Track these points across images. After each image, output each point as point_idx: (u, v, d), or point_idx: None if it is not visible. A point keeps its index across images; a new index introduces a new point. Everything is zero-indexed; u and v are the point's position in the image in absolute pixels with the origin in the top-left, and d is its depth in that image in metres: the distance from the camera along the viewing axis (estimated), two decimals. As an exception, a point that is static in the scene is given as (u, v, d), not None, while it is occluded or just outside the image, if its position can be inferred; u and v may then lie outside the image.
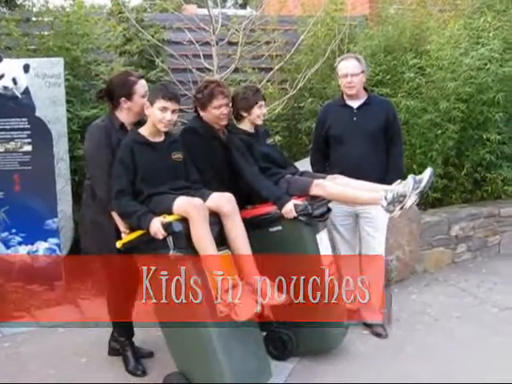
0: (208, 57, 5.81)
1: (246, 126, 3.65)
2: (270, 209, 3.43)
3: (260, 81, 5.94)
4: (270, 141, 3.79)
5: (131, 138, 3.19)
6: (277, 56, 6.50)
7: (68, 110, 4.91)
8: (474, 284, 5.11)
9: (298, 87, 5.79)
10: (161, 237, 2.91)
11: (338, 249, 4.05)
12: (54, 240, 4.56)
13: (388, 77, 6.03)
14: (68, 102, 4.94)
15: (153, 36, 5.62)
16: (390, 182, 3.74)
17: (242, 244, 3.14)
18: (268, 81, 6.02)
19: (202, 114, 3.55)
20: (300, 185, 3.51)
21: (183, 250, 2.93)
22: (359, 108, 3.94)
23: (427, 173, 3.33)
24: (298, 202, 3.39)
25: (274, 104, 5.75)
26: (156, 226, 2.91)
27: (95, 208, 3.29)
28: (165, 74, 5.67)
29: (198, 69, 5.79)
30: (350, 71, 3.86)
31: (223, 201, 3.13)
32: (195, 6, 13.03)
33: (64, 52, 5.28)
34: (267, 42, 6.35)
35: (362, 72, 3.90)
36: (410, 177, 3.31)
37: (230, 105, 3.59)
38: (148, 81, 5.58)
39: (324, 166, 4.10)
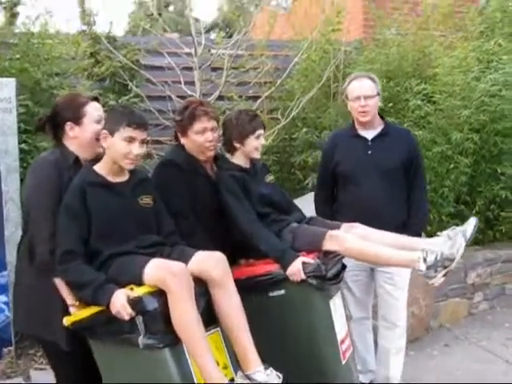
0: (190, 83, 5.18)
1: (239, 159, 2.92)
2: (270, 267, 2.66)
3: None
4: (269, 179, 3.05)
5: (83, 177, 2.41)
6: (266, 83, 5.91)
7: (25, 141, 4.21)
8: (500, 342, 4.40)
9: (291, 116, 5.16)
10: (127, 317, 2.15)
11: (347, 309, 3.29)
12: (1, 298, 3.78)
13: (390, 105, 5.39)
14: (26, 131, 4.23)
15: (125, 56, 4.92)
16: (411, 230, 3.08)
17: (238, 321, 2.35)
18: (256, 109, 5.35)
19: (183, 141, 2.81)
20: (310, 237, 2.75)
21: (158, 337, 2.15)
22: (374, 139, 3.24)
23: (471, 224, 2.63)
24: (308, 259, 2.64)
25: (264, 135, 5.07)
26: (120, 303, 2.16)
27: (33, 271, 2.43)
28: (140, 101, 4.97)
29: (178, 96, 5.16)
30: (364, 93, 3.15)
31: (211, 263, 2.36)
32: (177, 35, 12.52)
33: (24, 74, 4.58)
34: (255, 68, 5.74)
35: (378, 94, 3.22)
36: (460, 233, 2.57)
37: (220, 132, 2.90)
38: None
39: (331, 209, 3.36)
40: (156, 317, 2.15)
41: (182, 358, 2.20)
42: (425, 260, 2.51)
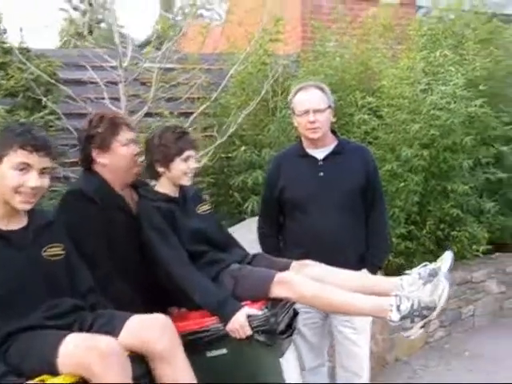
0: (115, 99, 4.65)
1: (165, 187, 2.41)
2: (208, 321, 2.15)
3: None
4: (203, 209, 2.53)
5: None
6: (199, 98, 5.42)
7: None
8: (462, 377, 4.01)
9: (228, 134, 4.70)
10: None
11: (300, 357, 2.81)
12: None
13: (334, 120, 5.00)
14: None
15: (38, 67, 4.34)
16: (372, 264, 2.67)
17: None
18: (189, 127, 4.85)
19: (100, 161, 2.28)
20: (255, 281, 2.24)
21: None
22: (326, 159, 2.78)
23: (447, 260, 2.21)
24: (254, 310, 2.15)
25: (199, 155, 4.58)
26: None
27: None
28: (56, 118, 4.39)
29: (101, 114, 4.62)
30: (313, 106, 2.69)
31: (154, 332, 1.82)
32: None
33: None
34: (187, 83, 5.25)
35: (329, 107, 2.77)
36: (443, 276, 2.10)
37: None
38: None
39: (277, 242, 2.90)
40: None
41: None
42: (398, 308, 2.05)
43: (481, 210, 5.43)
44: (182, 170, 2.37)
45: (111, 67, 4.70)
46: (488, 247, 5.36)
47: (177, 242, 2.26)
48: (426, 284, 2.09)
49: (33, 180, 1.81)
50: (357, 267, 2.57)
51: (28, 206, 1.85)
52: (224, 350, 2.11)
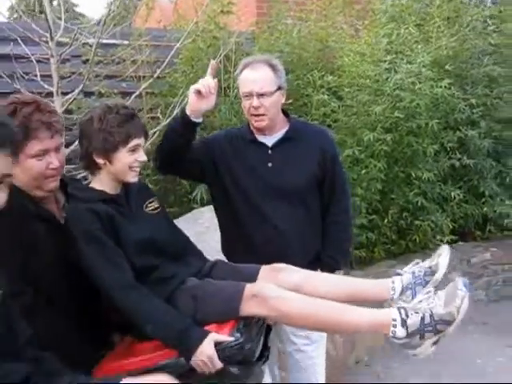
0: (47, 76, 4.17)
1: (103, 183, 1.93)
2: (164, 354, 1.70)
3: (122, 107, 4.36)
4: (152, 207, 2.03)
5: None
6: (145, 77, 4.96)
7: None
8: (428, 380, 3.72)
9: (174, 115, 4.26)
10: None
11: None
12: None
13: (290, 101, 4.62)
14: None
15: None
16: (326, 265, 2.28)
17: None
18: (133, 108, 4.40)
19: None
20: (220, 300, 1.79)
21: None
22: (276, 147, 2.38)
23: (445, 255, 1.84)
24: (223, 336, 1.71)
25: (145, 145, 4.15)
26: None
27: None
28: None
29: (32, 92, 4.13)
30: (258, 88, 2.28)
31: None
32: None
33: None
34: (133, 61, 4.79)
35: (279, 89, 2.35)
36: (461, 282, 1.71)
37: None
38: None
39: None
40: None
41: None
42: (404, 323, 1.68)
43: (444, 197, 5.17)
44: (128, 163, 1.89)
45: (44, 41, 4.22)
46: (452, 237, 5.10)
47: (119, 256, 1.80)
48: (437, 292, 1.72)
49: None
50: (310, 268, 2.17)
51: None
52: None
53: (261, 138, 2.39)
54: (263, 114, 2.31)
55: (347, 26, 5.43)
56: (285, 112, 2.47)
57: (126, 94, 4.75)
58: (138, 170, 1.93)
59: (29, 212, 1.73)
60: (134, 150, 1.88)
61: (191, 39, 4.52)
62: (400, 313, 1.69)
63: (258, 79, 2.30)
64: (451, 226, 5.11)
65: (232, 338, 1.71)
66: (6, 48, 4.45)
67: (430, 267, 1.85)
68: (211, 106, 2.18)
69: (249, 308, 1.75)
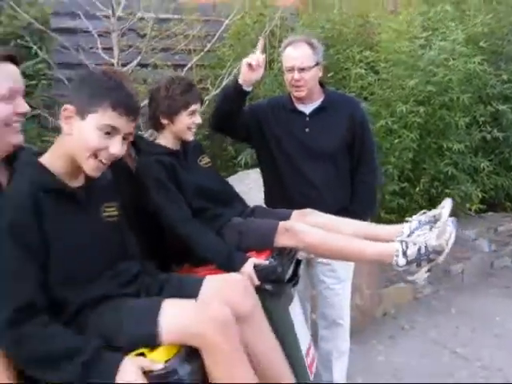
0: (108, 49, 4.59)
1: (167, 140, 2.34)
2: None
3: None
4: (204, 161, 2.45)
5: (33, 179, 1.54)
6: (195, 50, 5.34)
7: None
8: (448, 332, 4.07)
9: (222, 86, 4.64)
10: None
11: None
12: None
13: (330, 74, 4.95)
14: None
15: (33, 17, 4.25)
16: (355, 214, 2.63)
17: (279, 366, 1.81)
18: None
19: None
20: (259, 232, 2.21)
21: None
22: (313, 115, 2.74)
23: (447, 207, 2.18)
24: (260, 260, 2.12)
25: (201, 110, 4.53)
26: (133, 380, 1.40)
27: None
28: (46, 67, 4.32)
29: (96, 64, 4.55)
30: (299, 63, 2.62)
31: (238, 292, 1.76)
32: None
33: None
34: (183, 34, 5.16)
35: (317, 65, 2.69)
36: (450, 221, 2.07)
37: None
38: (24, 76, 4.38)
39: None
40: None
41: None
42: (404, 253, 2.04)
43: (475, 168, 5.42)
44: (187, 124, 2.29)
45: (104, 16, 4.62)
46: (481, 206, 5.37)
47: (180, 198, 2.22)
48: (433, 229, 2.09)
49: (116, 146, 1.59)
50: None
51: (99, 174, 1.63)
52: None
53: (300, 107, 2.75)
54: (303, 86, 2.66)
55: (387, 3, 5.68)
56: (321, 84, 2.82)
57: (178, 66, 5.16)
58: (194, 130, 2.34)
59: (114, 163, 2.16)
60: (192, 113, 2.28)
61: (240, 16, 4.85)
62: (402, 245, 2.06)
63: (298, 56, 2.64)
64: (480, 196, 5.35)
65: (267, 262, 2.12)
66: (71, 23, 4.89)
67: (434, 216, 2.18)
68: (259, 78, 2.55)
69: (282, 240, 2.16)
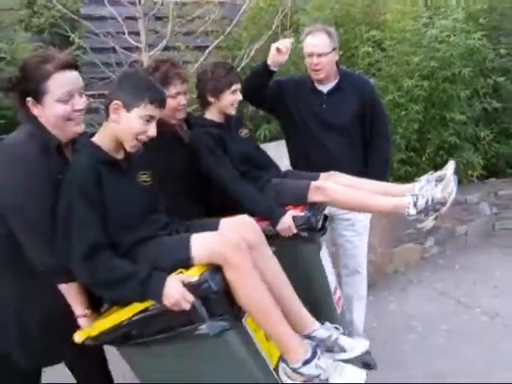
0: (134, 34, 4.98)
1: (213, 115, 2.76)
2: (261, 225, 2.49)
3: (196, 60, 5.15)
4: (244, 133, 2.89)
5: (92, 155, 2.03)
6: (212, 32, 5.72)
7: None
8: (452, 284, 4.52)
9: (241, 67, 5.03)
10: (188, 306, 1.84)
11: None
12: None
13: (341, 52, 5.30)
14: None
15: (65, 7, 4.65)
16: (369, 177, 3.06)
17: (285, 284, 2.22)
18: (205, 60, 5.18)
19: None
20: (294, 190, 2.65)
21: (226, 318, 1.89)
22: (330, 93, 3.14)
23: (451, 168, 2.56)
24: (297, 212, 2.56)
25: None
26: (177, 291, 1.84)
27: (25, 284, 2.00)
28: (83, 53, 4.74)
29: (123, 48, 4.95)
30: (318, 50, 3.02)
31: (245, 228, 2.18)
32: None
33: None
34: (201, 17, 5.54)
35: (334, 50, 3.08)
36: (451, 175, 2.50)
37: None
38: None
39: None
40: (220, 297, 1.89)
41: (246, 335, 2.00)
42: (415, 204, 2.46)
43: (477, 137, 5.80)
44: (230, 101, 2.69)
45: (129, 3, 5.00)
46: (482, 173, 5.76)
47: (228, 162, 2.64)
48: (437, 185, 2.50)
49: (152, 130, 2.07)
50: None
51: (136, 149, 2.11)
52: (273, 248, 2.40)
53: (319, 87, 3.15)
54: (321, 69, 3.06)
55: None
56: (337, 65, 3.22)
57: (199, 49, 5.54)
58: (236, 106, 2.74)
59: (170, 132, 2.64)
60: (234, 92, 2.71)
61: (255, 2, 5.23)
62: (412, 198, 2.48)
63: (317, 43, 3.04)
64: (482, 163, 5.74)
65: (303, 213, 2.55)
66: (99, 10, 5.26)
67: (440, 176, 2.61)
68: (285, 61, 2.96)
69: (313, 197, 2.59)
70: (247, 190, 2.61)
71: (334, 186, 2.60)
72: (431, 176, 2.64)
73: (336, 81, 3.16)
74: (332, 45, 3.06)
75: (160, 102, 2.07)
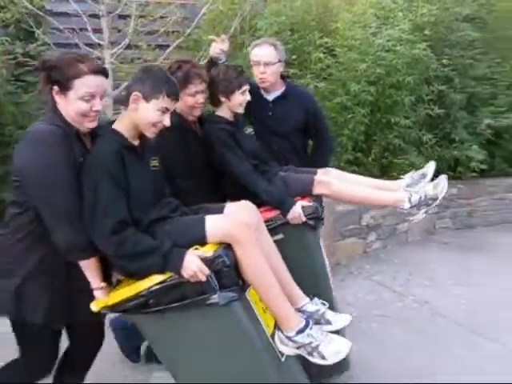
0: (97, 31, 5.19)
1: (224, 113, 3.00)
2: (270, 214, 2.82)
3: (155, 59, 5.39)
4: (249, 130, 3.11)
5: (116, 140, 2.25)
6: (174, 32, 5.97)
7: None
8: (390, 276, 4.87)
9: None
10: (204, 278, 2.09)
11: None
12: None
13: (294, 57, 5.65)
14: None
15: (31, 3, 4.84)
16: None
17: (278, 260, 2.48)
18: (165, 59, 5.43)
19: None
20: (300, 183, 2.93)
21: (234, 289, 2.15)
22: (275, 101, 3.40)
23: (431, 167, 3.01)
24: (306, 203, 2.84)
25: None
26: (196, 264, 2.08)
27: (48, 262, 2.19)
28: (46, 49, 4.93)
29: (86, 44, 5.16)
30: (264, 60, 3.28)
31: (247, 211, 2.45)
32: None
33: None
34: (162, 17, 5.78)
35: (279, 61, 3.34)
36: (444, 176, 2.90)
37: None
38: (28, 56, 4.99)
39: None
40: (231, 271, 2.14)
41: (248, 306, 2.26)
42: (409, 200, 2.81)
43: (421, 141, 6.19)
44: (240, 101, 2.93)
45: (93, 1, 5.20)
46: (425, 174, 6.15)
47: (242, 155, 2.89)
48: (421, 181, 2.92)
49: (167, 120, 2.30)
50: None
51: (153, 136, 2.34)
52: (281, 235, 2.78)
53: (265, 95, 3.40)
54: (265, 79, 3.31)
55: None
56: (283, 77, 3.47)
57: (161, 48, 5.78)
58: (244, 105, 2.99)
59: (186, 127, 2.87)
60: (243, 92, 2.95)
61: (215, 6, 5.50)
62: (408, 193, 2.84)
63: (264, 54, 3.29)
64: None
65: (311, 203, 2.84)
66: (63, 7, 5.45)
67: (422, 174, 3.01)
68: (226, 48, 3.20)
69: (317, 189, 2.88)
70: (260, 181, 2.87)
71: (335, 180, 2.92)
72: (414, 174, 3.05)
73: (281, 91, 3.41)
74: (278, 57, 3.32)
75: (175, 96, 2.32)
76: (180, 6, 6.18)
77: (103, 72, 2.24)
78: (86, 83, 2.16)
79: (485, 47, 6.73)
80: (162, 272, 2.13)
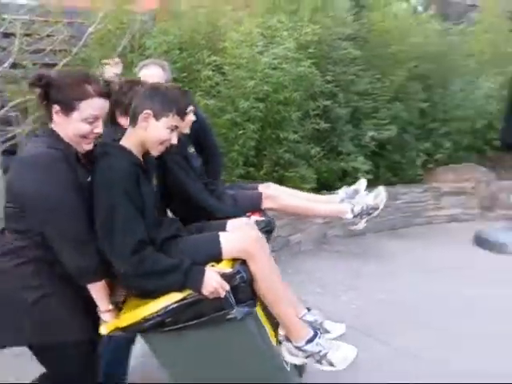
0: (-22, 50, 5.05)
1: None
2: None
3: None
4: (191, 150, 3.12)
5: (130, 159, 2.24)
6: (61, 51, 5.88)
7: None
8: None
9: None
10: (223, 294, 2.12)
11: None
12: None
13: (184, 75, 5.75)
14: None
15: None
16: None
17: (278, 272, 2.51)
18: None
19: (123, 123, 2.69)
20: (249, 199, 3.03)
21: (249, 303, 2.21)
22: None
23: (363, 184, 3.25)
24: (258, 218, 2.90)
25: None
26: (216, 281, 2.11)
27: (59, 286, 2.15)
28: None
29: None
30: (152, 80, 3.24)
31: (255, 228, 2.53)
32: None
33: None
34: (49, 35, 5.69)
35: (166, 82, 3.41)
36: (382, 188, 3.16)
37: None
38: None
39: None
40: (247, 286, 2.20)
41: (257, 319, 2.34)
42: (352, 210, 3.05)
43: (310, 154, 6.46)
44: (188, 122, 2.84)
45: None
46: (315, 186, 6.40)
47: (194, 176, 2.90)
48: (369, 194, 3.14)
49: (175, 138, 2.33)
50: None
51: (159, 154, 2.36)
52: None
53: None
54: None
55: (234, 13, 6.54)
56: None
57: (48, 66, 5.67)
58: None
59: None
60: (190, 112, 2.83)
61: (103, 24, 5.50)
62: (350, 205, 3.07)
63: (152, 74, 3.33)
64: (315, 178, 6.40)
65: (264, 218, 2.88)
66: None
67: (355, 189, 3.24)
68: (120, 71, 3.31)
69: (265, 204, 3.00)
70: (211, 200, 2.90)
71: (281, 195, 3.07)
72: (347, 189, 3.28)
73: None
74: (165, 77, 3.39)
75: (184, 115, 2.42)
76: (67, 24, 6.11)
77: (107, 94, 2.22)
78: (91, 105, 2.13)
79: (365, 64, 7.11)
80: (180, 290, 2.16)
